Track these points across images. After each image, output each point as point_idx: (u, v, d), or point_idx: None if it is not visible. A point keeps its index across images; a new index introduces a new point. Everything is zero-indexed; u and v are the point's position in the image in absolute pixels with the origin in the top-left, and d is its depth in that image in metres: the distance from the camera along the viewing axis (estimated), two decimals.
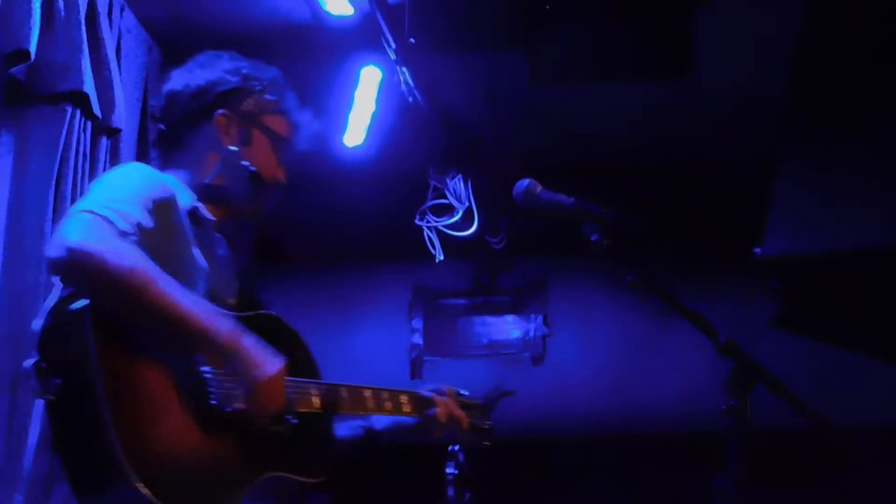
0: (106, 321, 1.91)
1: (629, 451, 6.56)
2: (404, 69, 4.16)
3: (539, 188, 2.35)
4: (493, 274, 6.16)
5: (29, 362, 1.91)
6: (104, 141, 3.70)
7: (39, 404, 1.91)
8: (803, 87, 4.19)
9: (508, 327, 6.14)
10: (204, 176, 2.34)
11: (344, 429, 2.53)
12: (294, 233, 6.00)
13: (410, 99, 4.31)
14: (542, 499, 6.44)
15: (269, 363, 2.03)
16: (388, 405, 2.50)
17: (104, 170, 3.72)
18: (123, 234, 1.96)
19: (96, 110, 3.52)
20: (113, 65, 3.68)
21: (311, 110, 2.53)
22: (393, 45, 3.97)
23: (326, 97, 4.46)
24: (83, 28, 3.50)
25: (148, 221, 2.04)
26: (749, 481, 2.02)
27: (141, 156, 4.12)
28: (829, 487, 6.09)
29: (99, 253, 1.90)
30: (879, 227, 5.04)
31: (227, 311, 2.14)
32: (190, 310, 1.96)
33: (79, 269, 1.91)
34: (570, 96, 4.76)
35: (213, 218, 2.30)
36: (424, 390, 2.63)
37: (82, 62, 3.44)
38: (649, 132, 5.03)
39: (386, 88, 4.36)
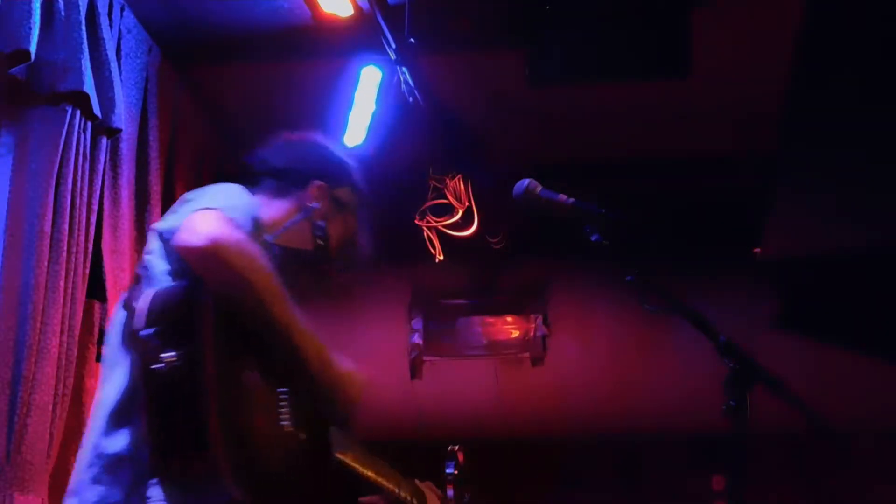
0: (222, 313, 1.95)
1: (629, 452, 6.56)
2: (404, 69, 4.16)
3: (539, 188, 2.35)
4: (493, 274, 6.16)
5: (148, 332, 1.94)
6: (104, 141, 3.69)
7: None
8: (803, 87, 4.19)
9: (508, 327, 6.14)
10: (281, 222, 2.40)
11: None
12: None
13: (410, 99, 4.31)
14: (543, 499, 6.45)
15: (360, 386, 2.20)
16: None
17: (104, 170, 3.72)
18: None
19: (96, 110, 3.52)
20: (113, 65, 3.68)
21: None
22: (393, 45, 3.97)
23: (326, 97, 4.46)
24: (83, 28, 3.49)
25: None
26: (749, 481, 2.02)
27: (141, 156, 4.12)
28: (829, 487, 6.09)
29: (242, 249, 1.99)
30: (879, 228, 5.05)
31: None
32: (302, 326, 2.08)
33: (221, 260, 1.97)
34: (570, 96, 4.76)
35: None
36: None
37: (82, 62, 3.44)
38: (649, 132, 5.03)
39: (386, 88, 4.36)
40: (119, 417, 2.06)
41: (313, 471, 2.15)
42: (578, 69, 4.15)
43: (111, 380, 2.12)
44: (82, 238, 3.51)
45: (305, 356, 2.10)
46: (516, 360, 6.07)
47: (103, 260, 3.73)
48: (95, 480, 2.05)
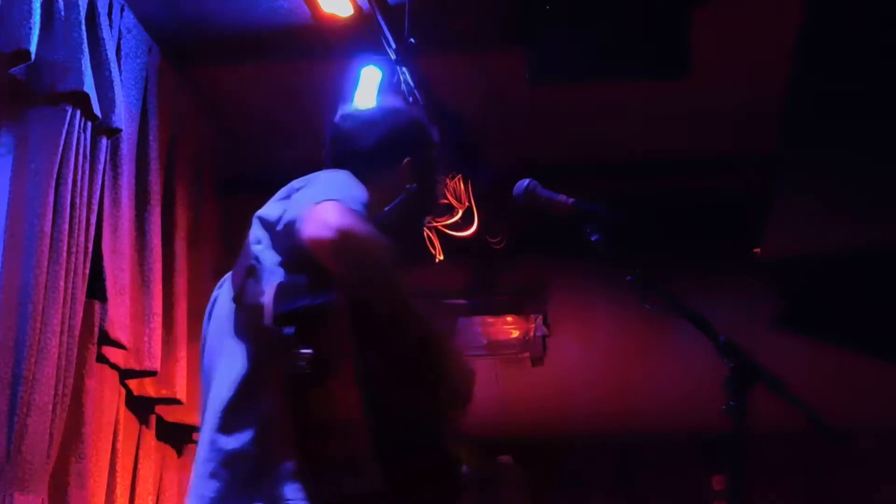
0: (355, 305, 1.95)
1: (629, 452, 6.57)
2: (404, 69, 4.16)
3: (539, 188, 2.35)
4: (493, 274, 6.16)
5: (289, 330, 1.91)
6: (104, 141, 3.69)
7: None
8: (803, 86, 4.19)
9: (508, 327, 6.14)
10: (380, 205, 2.35)
11: None
12: None
13: (410, 99, 4.31)
14: (543, 499, 6.45)
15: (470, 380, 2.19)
16: None
17: (104, 170, 3.72)
18: None
19: (96, 110, 3.52)
20: (113, 65, 3.68)
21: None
22: (393, 45, 3.97)
23: (326, 97, 4.46)
24: (83, 28, 3.49)
25: None
26: (749, 481, 2.02)
27: (141, 156, 4.12)
28: (829, 487, 6.10)
29: (372, 240, 1.96)
30: (879, 228, 5.05)
31: None
32: (421, 315, 2.08)
33: (352, 253, 1.94)
34: (570, 96, 4.76)
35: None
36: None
37: (82, 62, 3.44)
38: (649, 132, 5.03)
39: (386, 88, 4.36)
40: (237, 413, 2.03)
41: (442, 464, 2.14)
42: (578, 69, 4.15)
43: (224, 373, 2.08)
44: (82, 238, 3.51)
45: (427, 346, 2.09)
46: (516, 360, 6.07)
47: (103, 260, 3.72)
48: (212, 476, 2.02)
